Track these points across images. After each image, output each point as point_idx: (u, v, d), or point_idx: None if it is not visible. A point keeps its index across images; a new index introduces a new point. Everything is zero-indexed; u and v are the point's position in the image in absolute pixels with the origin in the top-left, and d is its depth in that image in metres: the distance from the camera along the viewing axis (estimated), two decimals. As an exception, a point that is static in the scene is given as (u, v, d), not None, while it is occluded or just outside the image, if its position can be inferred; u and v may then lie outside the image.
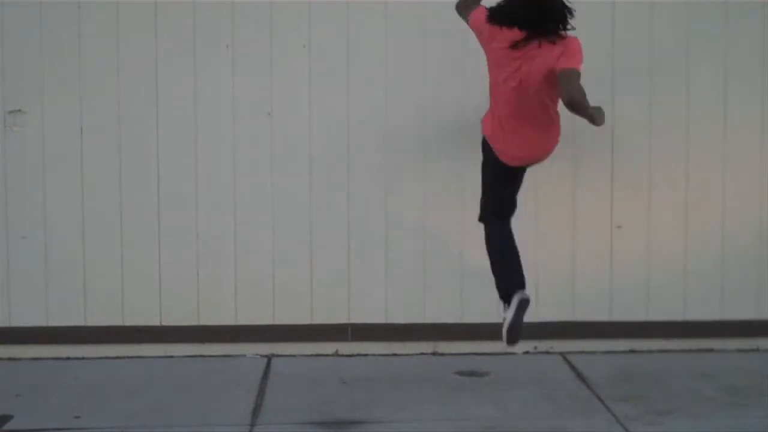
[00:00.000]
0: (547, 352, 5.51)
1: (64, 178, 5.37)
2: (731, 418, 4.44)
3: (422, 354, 5.51)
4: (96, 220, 5.39)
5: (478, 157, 4.66)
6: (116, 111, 5.36)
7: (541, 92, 4.29)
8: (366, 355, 5.48)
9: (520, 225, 5.48)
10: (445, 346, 5.52)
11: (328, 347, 5.50)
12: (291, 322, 5.46)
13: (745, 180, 5.59)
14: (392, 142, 5.45)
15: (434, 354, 5.51)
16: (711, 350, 5.52)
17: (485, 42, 4.44)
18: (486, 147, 4.57)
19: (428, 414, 4.55)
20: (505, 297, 4.50)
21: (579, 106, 4.05)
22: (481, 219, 4.69)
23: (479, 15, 4.45)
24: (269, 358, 5.43)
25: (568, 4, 4.31)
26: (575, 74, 4.15)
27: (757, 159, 5.57)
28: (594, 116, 4.10)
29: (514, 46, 4.26)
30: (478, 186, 5.31)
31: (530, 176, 5.08)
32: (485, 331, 5.45)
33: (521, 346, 5.48)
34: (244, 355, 5.46)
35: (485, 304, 5.48)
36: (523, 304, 4.42)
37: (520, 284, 4.49)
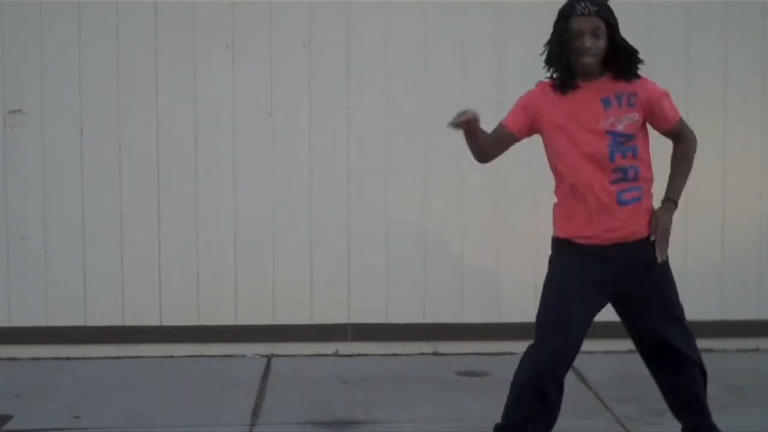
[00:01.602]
0: (547, 352, 5.50)
1: (64, 178, 5.37)
2: (731, 418, 4.42)
3: (422, 354, 5.51)
4: (96, 220, 5.39)
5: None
6: (116, 111, 5.36)
7: None
8: (366, 355, 5.48)
9: (520, 225, 5.49)
10: (445, 346, 5.52)
11: (328, 347, 5.50)
12: (291, 322, 5.46)
13: (745, 180, 5.59)
14: (393, 141, 5.45)
15: (434, 354, 5.51)
16: (711, 350, 5.51)
17: None
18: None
19: (428, 414, 4.55)
20: None
21: None
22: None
23: None
24: (269, 358, 5.43)
25: None
26: None
27: (757, 159, 5.58)
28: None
29: None
30: (477, 186, 5.33)
31: (530, 177, 5.09)
32: (485, 331, 5.46)
33: (522, 346, 5.50)
34: (244, 355, 5.46)
35: (485, 304, 5.49)
36: None
37: None
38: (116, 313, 5.42)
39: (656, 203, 3.56)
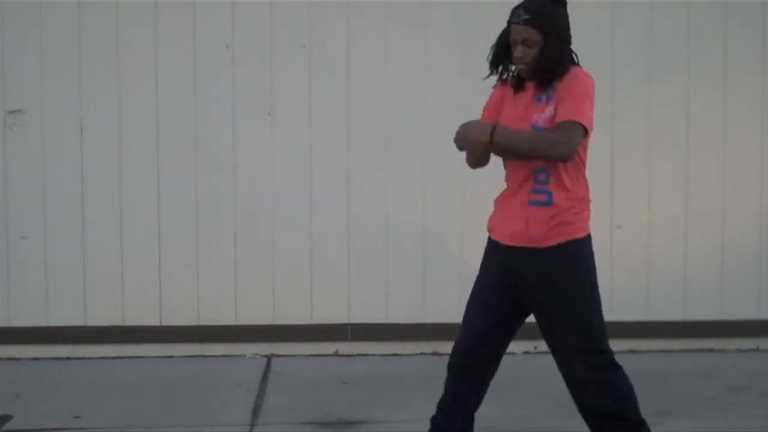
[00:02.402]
0: (547, 352, 5.49)
1: (64, 178, 5.37)
2: (731, 418, 4.43)
3: (422, 354, 5.51)
4: (96, 221, 5.39)
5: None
6: (116, 111, 5.36)
7: None
8: (366, 355, 5.48)
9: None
10: (445, 346, 5.50)
11: (328, 347, 5.50)
12: (291, 322, 5.46)
13: (745, 180, 5.59)
14: (392, 141, 5.45)
15: (434, 354, 5.51)
16: (711, 350, 5.52)
17: None
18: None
19: (428, 414, 4.53)
20: None
21: None
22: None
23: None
24: (269, 358, 5.43)
25: None
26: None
27: (757, 159, 5.58)
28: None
29: None
30: (478, 187, 5.30)
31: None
32: (485, 331, 5.44)
33: (521, 346, 5.51)
34: (244, 355, 5.46)
35: (485, 304, 5.47)
36: None
37: None
38: (116, 313, 5.42)
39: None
